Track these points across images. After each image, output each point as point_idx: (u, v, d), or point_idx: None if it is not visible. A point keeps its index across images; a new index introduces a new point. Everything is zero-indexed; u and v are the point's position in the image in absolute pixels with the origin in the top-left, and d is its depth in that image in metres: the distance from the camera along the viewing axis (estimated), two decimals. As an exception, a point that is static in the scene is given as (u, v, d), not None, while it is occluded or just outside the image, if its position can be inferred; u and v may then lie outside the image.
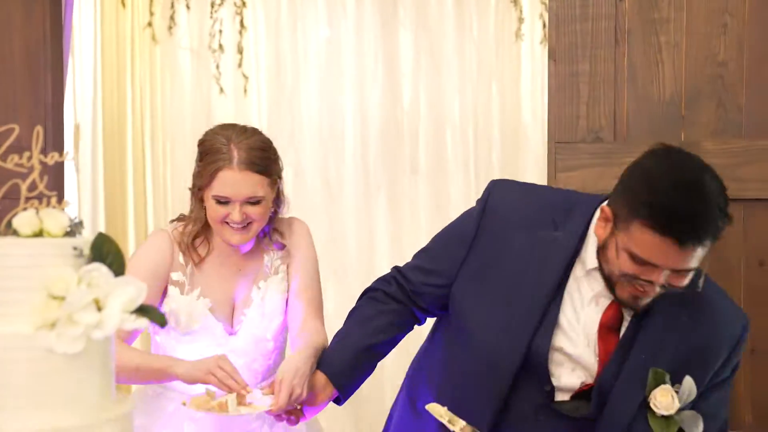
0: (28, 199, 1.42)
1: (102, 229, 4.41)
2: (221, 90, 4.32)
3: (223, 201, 2.02)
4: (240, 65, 4.30)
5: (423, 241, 4.18)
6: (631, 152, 2.37)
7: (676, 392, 1.75)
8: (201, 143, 2.10)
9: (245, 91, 4.32)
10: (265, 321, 2.14)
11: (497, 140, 4.17)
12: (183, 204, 4.28)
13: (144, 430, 2.10)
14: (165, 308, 2.09)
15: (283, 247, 2.20)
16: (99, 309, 1.32)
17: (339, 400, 2.00)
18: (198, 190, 2.08)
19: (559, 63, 2.45)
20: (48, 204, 1.42)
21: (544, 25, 3.99)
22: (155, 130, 4.42)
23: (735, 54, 2.34)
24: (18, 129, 1.44)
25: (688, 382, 1.75)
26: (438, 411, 1.82)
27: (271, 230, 2.18)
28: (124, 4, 4.37)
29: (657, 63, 2.40)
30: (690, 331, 1.80)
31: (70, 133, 3.87)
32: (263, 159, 2.05)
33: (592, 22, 2.42)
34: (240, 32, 4.29)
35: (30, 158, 1.42)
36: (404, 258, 4.22)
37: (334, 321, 2.19)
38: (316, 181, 4.31)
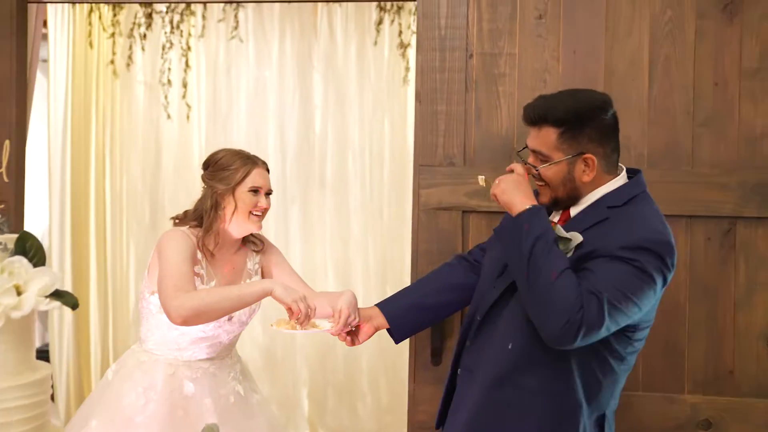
0: (-35, 202, 1.36)
1: (68, 225, 4.25)
2: (168, 116, 4.21)
3: (254, 190, 2.12)
4: (184, 96, 4.21)
5: (329, 241, 4.26)
6: (476, 174, 2.42)
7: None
8: (218, 160, 2.16)
9: (188, 117, 4.23)
10: (248, 310, 2.19)
11: (387, 161, 4.18)
12: (138, 202, 4.22)
13: (150, 388, 2.11)
14: None
15: (257, 253, 2.26)
16: (20, 293, 1.27)
17: (394, 338, 2.08)
18: (223, 193, 2.12)
19: (423, 103, 2.46)
20: (-18, 207, 1.36)
21: (425, 74, 4.01)
22: (114, 146, 4.29)
23: (553, 102, 2.40)
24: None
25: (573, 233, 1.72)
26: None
27: (251, 240, 2.27)
28: (91, 45, 4.23)
29: (496, 107, 2.44)
30: (604, 225, 1.73)
31: (32, 149, 3.73)
32: (268, 166, 2.23)
33: (448, 73, 2.45)
34: (185, 70, 4.20)
35: (-34, 168, 1.36)
36: (314, 255, 4.24)
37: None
38: (244, 191, 4.23)
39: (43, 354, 4.60)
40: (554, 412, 1.75)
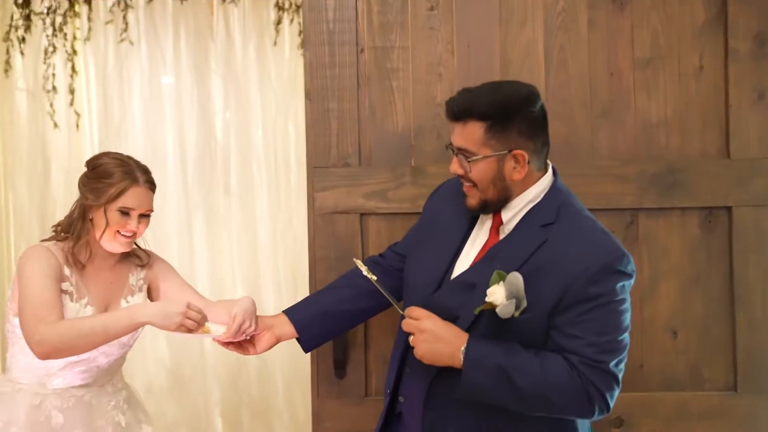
0: None
1: (-52, 247, 3.92)
2: (55, 125, 3.92)
3: (125, 212, 1.96)
4: (72, 104, 3.93)
5: (236, 251, 4.06)
6: (373, 175, 2.32)
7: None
8: (98, 166, 1.97)
9: (77, 126, 3.95)
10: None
11: (293, 165, 4.02)
12: (26, 219, 3.92)
13: (11, 422, 1.91)
14: None
15: (142, 268, 2.09)
16: None
17: (303, 347, 1.96)
18: (93, 206, 1.95)
19: (314, 101, 2.34)
20: None
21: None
22: (-5, 160, 3.98)
23: (448, 96, 2.30)
24: None
25: (513, 275, 1.58)
26: (359, 264, 1.83)
27: (134, 253, 2.11)
28: (-35, 51, 3.92)
29: (391, 103, 2.34)
30: (545, 249, 1.64)
31: None
32: (154, 184, 2.06)
33: (338, 69, 2.33)
34: (71, 76, 3.91)
35: None
36: (221, 266, 4.05)
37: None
38: (143, 202, 4.01)
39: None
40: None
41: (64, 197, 3.97)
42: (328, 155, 2.33)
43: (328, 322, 1.98)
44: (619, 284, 1.63)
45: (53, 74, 3.89)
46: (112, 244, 1.99)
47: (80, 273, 1.98)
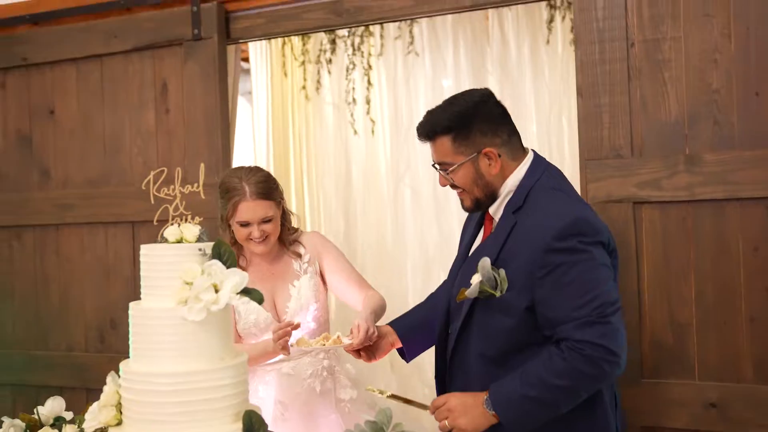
0: (173, 217, 1.66)
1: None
2: (355, 132, 4.54)
3: (244, 224, 2.19)
4: (368, 113, 4.51)
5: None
6: (646, 165, 2.40)
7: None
8: (220, 185, 2.25)
9: (372, 132, 4.52)
10: (303, 310, 2.28)
11: (567, 158, 4.15)
12: (333, 215, 4.58)
13: None
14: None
15: (303, 256, 2.31)
16: (217, 291, 1.53)
17: (405, 357, 2.11)
18: (225, 220, 2.24)
19: (585, 98, 2.47)
20: (186, 220, 1.66)
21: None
22: (309, 163, 4.71)
23: (725, 83, 2.29)
24: (167, 171, 1.69)
25: (482, 261, 1.74)
26: (371, 388, 1.96)
27: (292, 243, 2.32)
28: (285, 75, 4.69)
29: (663, 94, 2.38)
30: (517, 232, 1.77)
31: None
32: (267, 189, 2.20)
33: (609, 65, 2.44)
34: (367, 88, 4.50)
35: (173, 189, 1.67)
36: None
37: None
38: (428, 197, 4.44)
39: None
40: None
41: (363, 196, 4.57)
42: (600, 147, 2.45)
43: (426, 331, 2.07)
44: (580, 245, 1.68)
45: (353, 88, 4.50)
46: (251, 248, 2.21)
47: (246, 271, 2.21)
